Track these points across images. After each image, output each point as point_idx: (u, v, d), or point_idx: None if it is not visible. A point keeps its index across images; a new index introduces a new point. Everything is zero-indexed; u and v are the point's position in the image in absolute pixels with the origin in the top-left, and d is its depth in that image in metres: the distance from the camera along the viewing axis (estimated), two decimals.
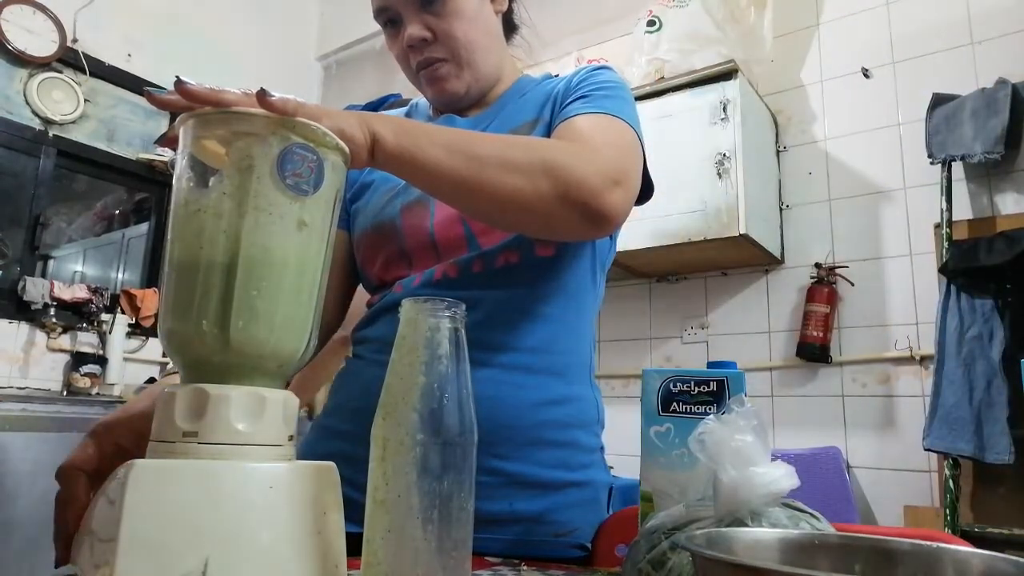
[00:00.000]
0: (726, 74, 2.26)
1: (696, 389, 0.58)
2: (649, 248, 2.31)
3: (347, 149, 0.52)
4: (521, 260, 0.81)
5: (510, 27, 1.01)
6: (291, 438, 0.48)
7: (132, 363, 3.20)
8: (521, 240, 0.81)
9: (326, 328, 0.90)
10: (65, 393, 2.91)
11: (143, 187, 3.57)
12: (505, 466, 0.75)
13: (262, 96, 0.47)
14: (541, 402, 0.79)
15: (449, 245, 0.82)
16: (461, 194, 0.66)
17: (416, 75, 0.88)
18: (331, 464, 0.49)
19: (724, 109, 2.23)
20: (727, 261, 2.46)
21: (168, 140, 0.51)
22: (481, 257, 0.81)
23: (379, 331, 0.84)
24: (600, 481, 0.84)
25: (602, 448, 0.87)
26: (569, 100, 0.84)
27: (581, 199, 0.68)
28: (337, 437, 0.82)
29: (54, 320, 2.94)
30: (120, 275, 4.04)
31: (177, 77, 0.49)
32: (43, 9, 3.05)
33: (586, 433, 0.84)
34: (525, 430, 0.77)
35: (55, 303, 2.95)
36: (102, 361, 3.01)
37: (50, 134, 3.08)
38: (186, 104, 0.49)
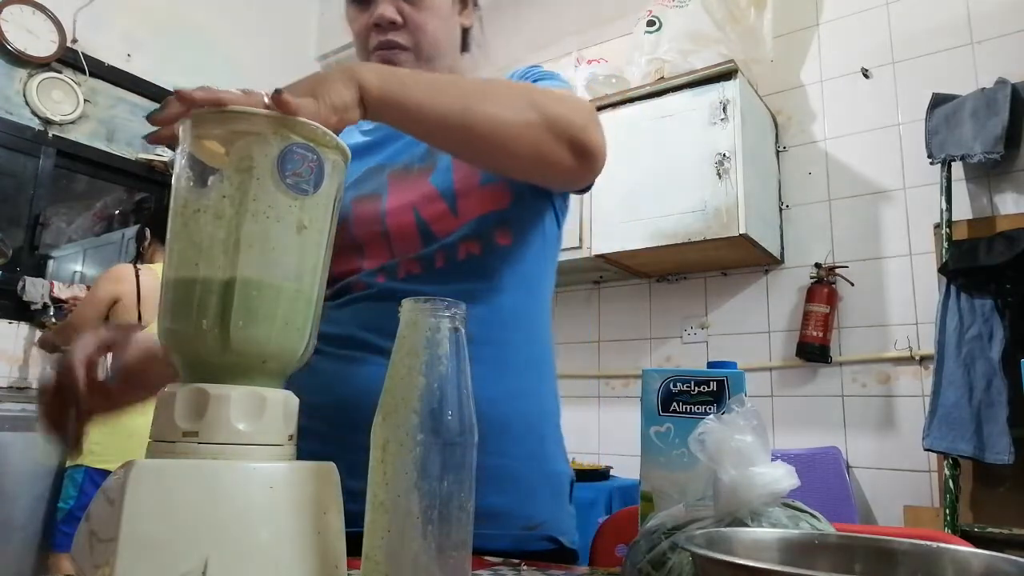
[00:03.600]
0: (726, 74, 2.26)
1: (696, 389, 0.58)
2: (649, 248, 2.31)
3: (347, 150, 0.52)
4: (483, 250, 0.81)
5: (464, 43, 1.01)
6: (291, 438, 0.48)
7: None
8: (480, 229, 0.81)
9: None
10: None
11: (143, 187, 3.57)
12: None
13: (278, 96, 0.47)
14: (508, 395, 0.79)
15: (401, 234, 0.82)
16: (452, 132, 0.66)
17: (370, 55, 0.87)
18: (331, 464, 0.49)
19: (724, 109, 2.23)
20: (727, 261, 2.46)
21: (156, 137, 0.51)
22: (443, 249, 0.81)
23: (338, 327, 0.80)
24: (564, 472, 0.85)
25: (562, 439, 0.88)
26: None
27: (568, 131, 0.71)
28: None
29: (54, 320, 2.94)
30: None
31: (176, 89, 0.49)
32: (43, 9, 3.04)
33: (549, 425, 0.84)
34: (492, 424, 0.77)
35: (55, 303, 2.94)
36: None
37: (50, 134, 3.07)
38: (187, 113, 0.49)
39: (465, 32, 0.98)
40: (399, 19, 0.84)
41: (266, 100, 0.48)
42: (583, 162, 0.73)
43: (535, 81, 0.87)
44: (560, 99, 0.73)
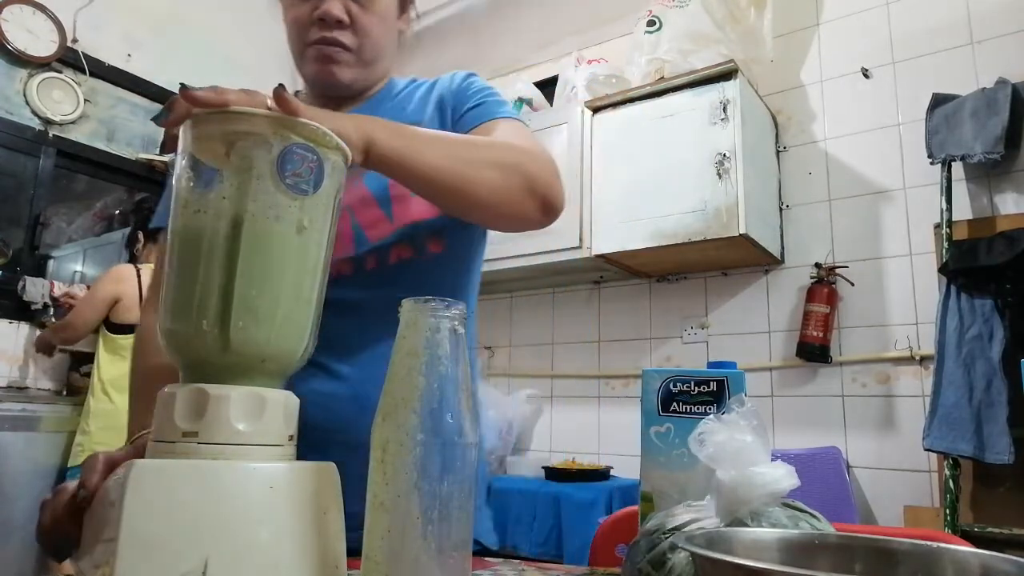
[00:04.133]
0: (726, 74, 2.26)
1: (696, 389, 0.58)
2: (649, 248, 2.31)
3: (347, 150, 0.52)
4: (414, 255, 0.83)
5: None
6: (291, 438, 0.48)
7: None
8: (413, 234, 0.83)
9: None
10: (65, 393, 2.91)
11: (143, 187, 3.57)
12: None
13: (280, 93, 0.47)
14: None
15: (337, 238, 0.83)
16: (448, 194, 0.71)
17: (306, 47, 0.86)
18: (331, 464, 0.49)
19: (724, 109, 2.23)
20: (727, 261, 2.46)
21: (172, 144, 0.51)
22: (374, 252, 0.82)
23: None
24: (482, 476, 0.89)
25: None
26: (468, 107, 0.89)
27: (541, 191, 0.78)
28: None
29: (54, 320, 2.94)
30: None
31: (182, 84, 0.49)
32: (43, 9, 3.04)
33: None
34: None
35: (55, 303, 2.94)
36: None
37: (50, 134, 3.08)
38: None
39: (399, 35, 0.98)
40: (346, 19, 0.83)
41: (269, 102, 0.48)
42: (547, 217, 0.81)
43: (478, 105, 0.89)
44: (532, 156, 0.80)
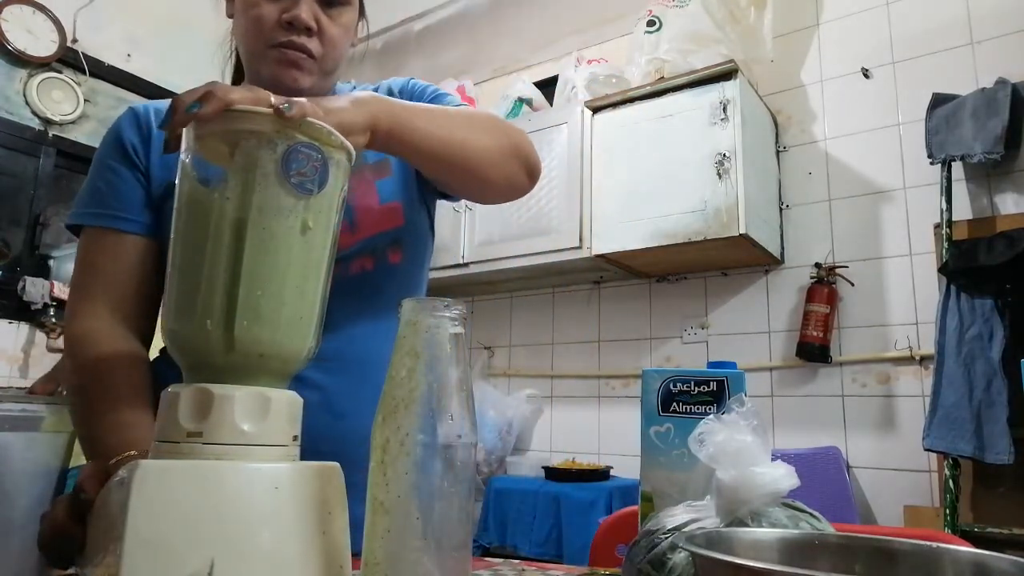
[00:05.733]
0: (726, 74, 2.26)
1: (696, 389, 0.58)
2: (649, 248, 2.31)
3: (352, 149, 0.52)
4: (375, 266, 0.84)
5: None
6: (295, 438, 0.48)
7: None
8: (375, 245, 0.84)
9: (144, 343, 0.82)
10: (65, 393, 2.91)
11: None
12: None
13: (279, 110, 0.47)
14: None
15: None
16: (450, 164, 0.75)
17: (268, 48, 0.83)
18: (335, 464, 0.49)
19: (724, 109, 2.23)
20: (727, 261, 2.46)
21: (175, 142, 0.50)
22: (337, 263, 0.80)
23: None
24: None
25: None
26: (428, 101, 0.91)
27: (525, 154, 0.83)
28: None
29: (54, 320, 2.94)
30: None
31: (188, 106, 0.48)
32: (43, 9, 3.04)
33: None
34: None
35: (55, 303, 2.94)
36: None
37: (50, 134, 3.08)
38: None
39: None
40: (315, 26, 0.82)
41: (273, 99, 0.48)
42: (531, 181, 0.85)
43: (434, 99, 0.92)
44: (508, 124, 0.85)
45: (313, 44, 0.83)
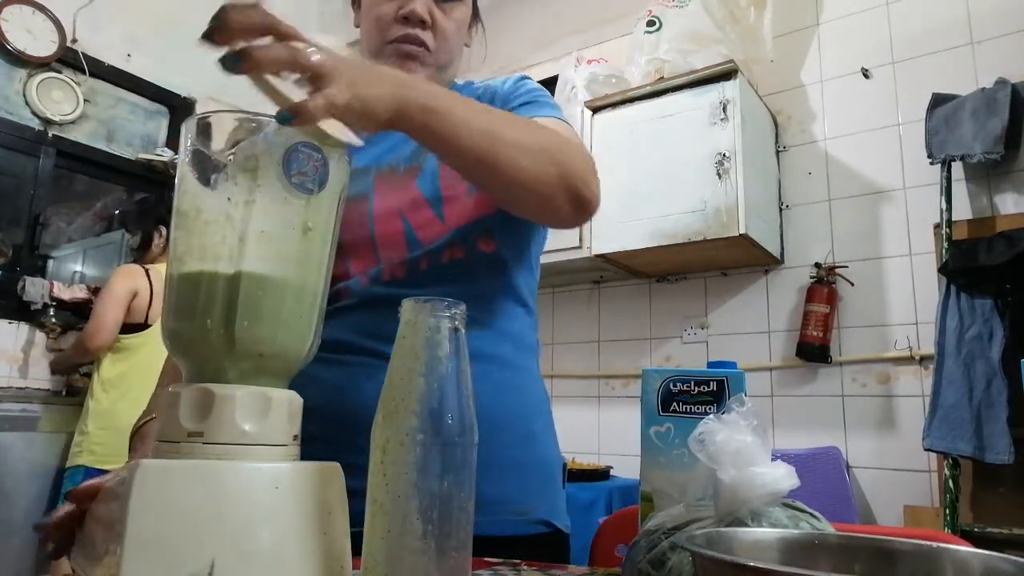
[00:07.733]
0: (726, 74, 2.26)
1: (696, 389, 0.58)
2: (649, 248, 2.31)
3: (355, 141, 0.52)
4: (467, 255, 0.84)
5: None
6: (296, 438, 0.48)
7: None
8: (465, 235, 0.84)
9: None
10: (65, 393, 2.91)
11: (143, 187, 3.57)
12: None
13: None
14: (495, 390, 0.81)
15: (387, 241, 0.84)
16: (475, 167, 0.69)
17: (386, 45, 0.87)
18: (336, 464, 0.49)
19: (724, 109, 2.23)
20: (727, 261, 2.46)
21: (219, 33, 0.49)
22: (427, 255, 0.83)
23: (330, 333, 0.77)
24: (555, 458, 0.90)
25: (553, 429, 0.92)
26: (515, 106, 0.90)
27: (575, 185, 0.74)
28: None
29: (54, 320, 2.94)
30: None
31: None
32: (43, 9, 3.04)
33: (539, 414, 0.89)
34: (482, 417, 0.77)
35: (55, 303, 2.94)
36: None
37: (50, 134, 3.07)
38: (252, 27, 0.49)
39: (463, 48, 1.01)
40: (429, 19, 0.87)
41: (311, 55, 0.49)
42: (579, 215, 0.78)
43: (526, 103, 0.89)
44: (573, 149, 0.77)
45: (427, 37, 0.87)
